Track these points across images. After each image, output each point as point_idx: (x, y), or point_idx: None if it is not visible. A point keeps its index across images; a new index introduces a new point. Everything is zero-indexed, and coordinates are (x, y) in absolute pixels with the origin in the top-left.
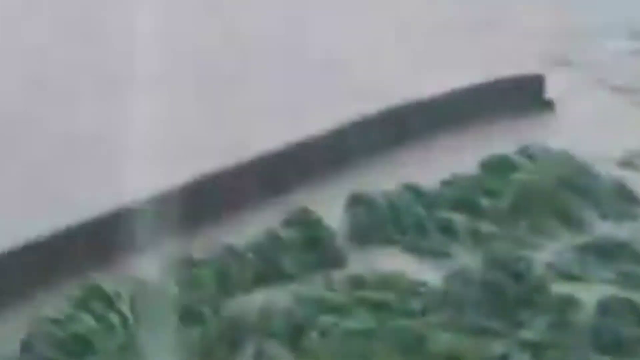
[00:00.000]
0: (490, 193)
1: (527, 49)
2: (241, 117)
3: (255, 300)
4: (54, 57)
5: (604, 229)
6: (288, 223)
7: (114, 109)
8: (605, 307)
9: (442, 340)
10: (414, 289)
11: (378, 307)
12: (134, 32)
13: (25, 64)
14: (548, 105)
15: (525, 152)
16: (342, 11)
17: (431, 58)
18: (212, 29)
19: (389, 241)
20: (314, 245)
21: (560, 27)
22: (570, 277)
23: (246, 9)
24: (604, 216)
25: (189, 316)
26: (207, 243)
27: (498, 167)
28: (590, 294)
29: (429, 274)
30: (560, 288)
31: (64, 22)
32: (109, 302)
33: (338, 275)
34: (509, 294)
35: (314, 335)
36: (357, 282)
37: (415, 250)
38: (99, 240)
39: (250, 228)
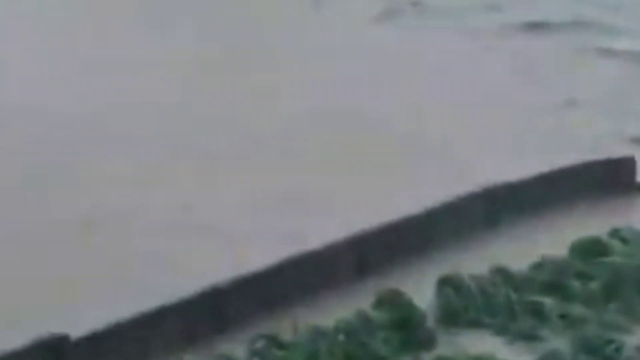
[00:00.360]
0: (580, 276)
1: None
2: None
3: None
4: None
5: None
6: (378, 304)
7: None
8: None
9: None
10: None
11: None
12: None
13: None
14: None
15: (617, 234)
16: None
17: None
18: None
19: (478, 324)
20: (404, 327)
21: None
22: None
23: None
24: None
25: None
26: (296, 324)
27: (589, 249)
28: None
29: (519, 357)
30: None
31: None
32: None
33: (428, 356)
34: None
35: None
36: None
37: (505, 333)
38: (187, 321)
39: (340, 309)
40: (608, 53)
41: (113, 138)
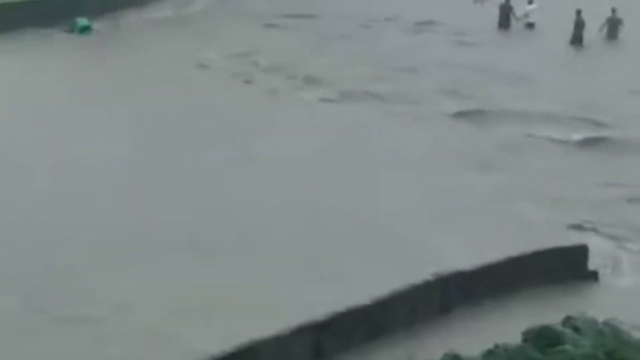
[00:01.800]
0: None
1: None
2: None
3: None
4: None
5: None
6: None
7: None
8: None
9: None
10: None
11: None
12: None
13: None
14: (592, 275)
15: (570, 323)
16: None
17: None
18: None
19: None
20: None
21: None
22: None
23: None
24: None
25: None
26: None
27: (541, 338)
28: None
29: None
30: None
31: None
32: None
33: None
34: None
35: None
36: None
37: None
38: None
39: None
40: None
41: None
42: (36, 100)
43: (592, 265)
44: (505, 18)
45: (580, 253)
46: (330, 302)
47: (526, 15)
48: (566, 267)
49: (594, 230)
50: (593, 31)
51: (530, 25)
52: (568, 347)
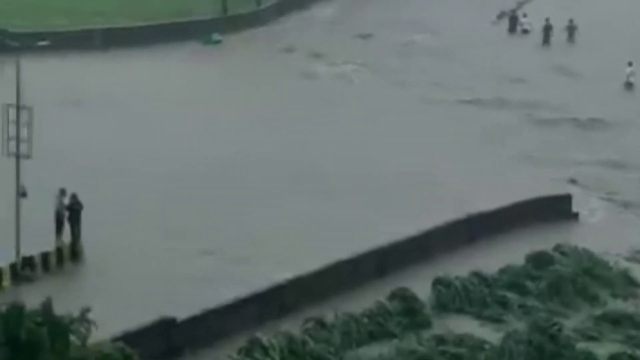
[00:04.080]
0: (533, 278)
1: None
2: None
3: (369, 352)
4: None
5: (615, 305)
6: (392, 297)
7: None
8: None
9: None
10: (480, 345)
11: (454, 358)
12: None
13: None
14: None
15: (559, 249)
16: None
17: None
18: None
19: (461, 311)
20: (410, 313)
21: None
22: (589, 338)
23: None
24: (614, 295)
25: None
26: (335, 310)
27: (539, 259)
28: (604, 351)
29: (490, 335)
30: (582, 346)
31: None
32: (266, 351)
33: (426, 334)
34: (546, 350)
35: None
36: (439, 340)
37: (480, 317)
38: (258, 309)
39: (365, 301)
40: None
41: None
42: (186, 95)
43: (574, 208)
44: (512, 26)
45: (566, 200)
46: (391, 232)
47: (521, 24)
48: (556, 210)
49: (575, 182)
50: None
51: (525, 32)
52: (558, 266)
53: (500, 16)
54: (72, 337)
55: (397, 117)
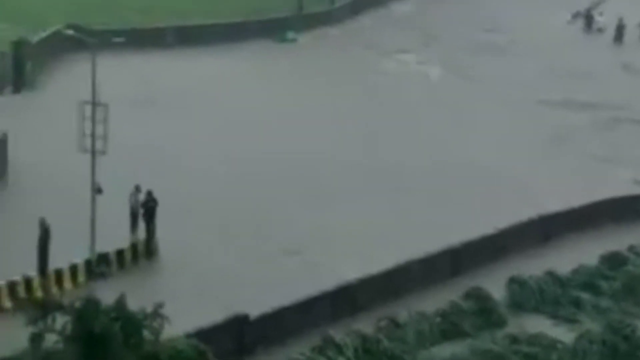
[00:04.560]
0: (607, 278)
1: None
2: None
3: (442, 351)
4: None
5: None
6: (466, 296)
7: None
8: None
9: None
10: (553, 345)
11: (528, 357)
12: None
13: None
14: None
15: (633, 250)
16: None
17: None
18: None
19: (536, 310)
20: (484, 312)
21: None
22: None
23: None
24: None
25: None
26: (409, 310)
27: (613, 260)
28: None
29: (563, 335)
30: None
31: None
32: (340, 349)
33: (500, 333)
34: (620, 350)
35: None
36: (514, 339)
37: (554, 317)
38: (338, 305)
39: (439, 300)
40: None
41: None
42: (259, 93)
43: None
44: (588, 25)
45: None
46: (465, 231)
47: (596, 23)
48: (630, 210)
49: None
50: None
51: (600, 30)
52: (631, 267)
53: (576, 15)
54: (145, 332)
55: (471, 115)
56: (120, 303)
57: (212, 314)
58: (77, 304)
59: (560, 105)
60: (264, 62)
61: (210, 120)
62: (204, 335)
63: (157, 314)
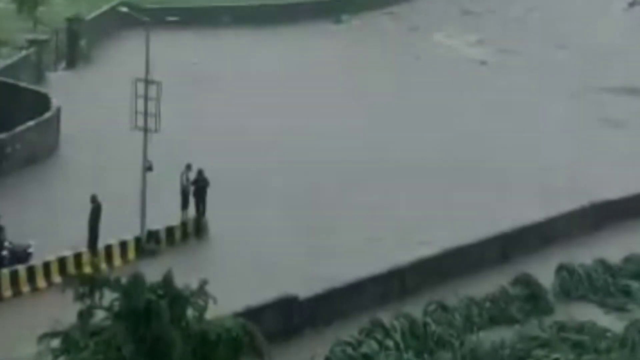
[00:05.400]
0: None
1: None
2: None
3: (490, 336)
4: None
5: None
6: (515, 283)
7: None
8: None
9: None
10: (602, 333)
11: (576, 345)
12: None
13: None
14: None
15: None
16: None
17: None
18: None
19: (584, 299)
20: (532, 299)
21: None
22: None
23: None
24: None
25: (442, 345)
26: (457, 295)
27: None
28: None
29: (612, 323)
30: None
31: None
32: (387, 332)
33: (548, 320)
34: None
35: None
36: (562, 327)
37: (604, 306)
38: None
39: (488, 285)
40: None
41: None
42: (321, 67)
43: None
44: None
45: None
46: (516, 218)
47: None
48: None
49: None
50: None
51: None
52: None
53: (632, 4)
54: (190, 310)
55: (524, 102)
56: (167, 280)
57: (261, 294)
58: (124, 281)
59: (616, 92)
60: (318, 44)
61: (262, 100)
62: (252, 314)
63: (202, 291)
